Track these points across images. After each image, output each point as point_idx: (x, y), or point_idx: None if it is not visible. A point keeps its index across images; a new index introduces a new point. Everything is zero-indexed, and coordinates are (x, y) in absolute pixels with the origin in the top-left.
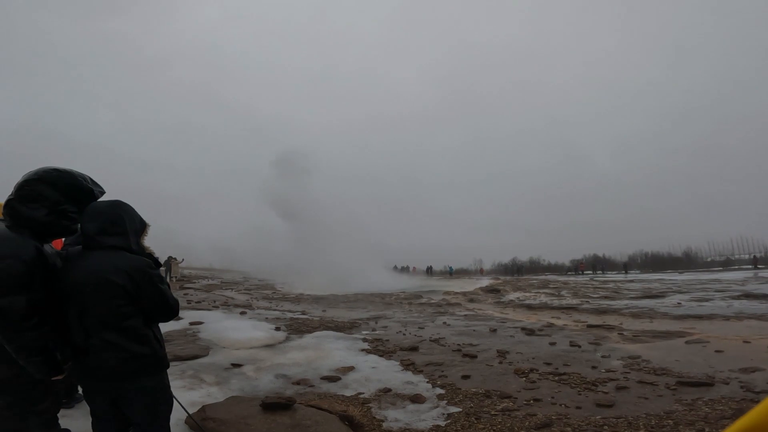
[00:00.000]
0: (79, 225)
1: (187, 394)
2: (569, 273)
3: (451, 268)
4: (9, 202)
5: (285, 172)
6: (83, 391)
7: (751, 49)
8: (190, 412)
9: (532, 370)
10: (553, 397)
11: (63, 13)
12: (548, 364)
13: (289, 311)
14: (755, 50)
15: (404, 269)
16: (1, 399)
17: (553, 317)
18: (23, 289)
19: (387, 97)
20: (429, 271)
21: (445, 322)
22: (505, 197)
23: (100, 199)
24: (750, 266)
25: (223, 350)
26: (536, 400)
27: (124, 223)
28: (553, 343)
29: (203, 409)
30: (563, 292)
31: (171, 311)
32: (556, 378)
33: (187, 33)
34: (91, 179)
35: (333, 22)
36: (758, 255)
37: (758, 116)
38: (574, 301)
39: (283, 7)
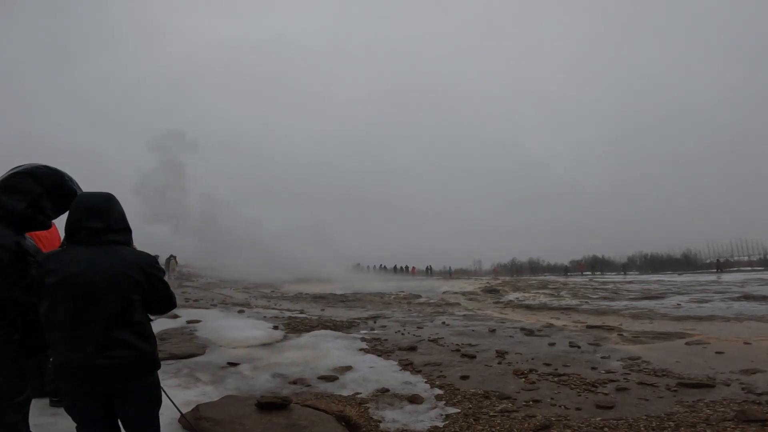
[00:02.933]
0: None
1: (182, 393)
2: (569, 274)
3: (450, 268)
4: None
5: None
6: (74, 396)
7: (749, 51)
8: (184, 411)
9: (531, 371)
10: (552, 398)
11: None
12: (548, 364)
13: (288, 310)
14: (752, 52)
15: (404, 269)
16: None
17: (552, 318)
18: (3, 278)
19: (350, 114)
20: (429, 270)
21: (443, 322)
22: (503, 199)
23: (85, 191)
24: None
25: (219, 349)
26: (535, 401)
27: (125, 218)
28: (552, 344)
29: (197, 408)
30: (562, 293)
31: (173, 304)
32: (556, 379)
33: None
34: (76, 182)
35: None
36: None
37: (758, 117)
38: (574, 302)
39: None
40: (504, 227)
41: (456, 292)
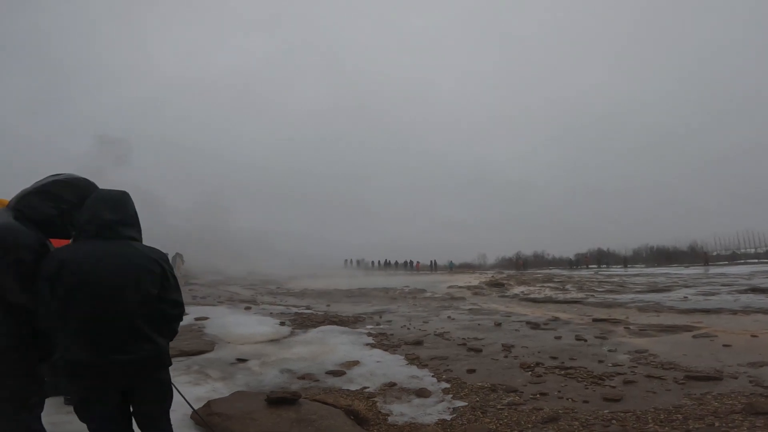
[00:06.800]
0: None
1: (193, 389)
2: (574, 267)
3: (451, 263)
4: (27, 195)
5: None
6: (90, 395)
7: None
8: (196, 407)
9: (537, 364)
10: (559, 392)
11: None
12: (554, 358)
13: (294, 306)
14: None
15: (409, 264)
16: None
17: (558, 311)
18: (23, 280)
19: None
20: (433, 265)
21: (449, 317)
22: (502, 195)
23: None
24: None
25: (228, 345)
26: (542, 394)
27: (137, 215)
28: (558, 337)
29: (209, 404)
30: (568, 286)
31: (182, 307)
32: (563, 372)
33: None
34: None
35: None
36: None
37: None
38: (579, 295)
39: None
40: (508, 221)
41: (461, 287)
